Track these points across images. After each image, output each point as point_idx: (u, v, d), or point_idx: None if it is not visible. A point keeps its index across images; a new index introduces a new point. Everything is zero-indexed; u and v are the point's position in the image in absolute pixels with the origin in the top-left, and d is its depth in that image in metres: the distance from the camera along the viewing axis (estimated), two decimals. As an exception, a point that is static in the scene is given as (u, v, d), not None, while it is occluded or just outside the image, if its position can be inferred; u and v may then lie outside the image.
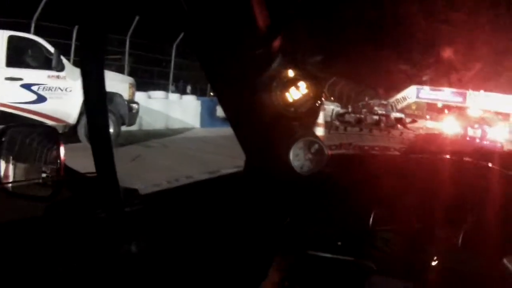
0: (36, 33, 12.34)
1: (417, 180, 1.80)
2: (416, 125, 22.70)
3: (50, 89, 10.23)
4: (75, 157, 1.97)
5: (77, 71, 10.19)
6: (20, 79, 9.86)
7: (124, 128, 11.60)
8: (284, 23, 1.48)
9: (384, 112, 23.47)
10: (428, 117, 26.43)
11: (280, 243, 1.74)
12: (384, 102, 27.08)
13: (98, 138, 1.25)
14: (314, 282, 1.73)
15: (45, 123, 9.40)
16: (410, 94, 28.08)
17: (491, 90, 24.17)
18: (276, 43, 1.45)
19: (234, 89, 1.53)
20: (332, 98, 26.71)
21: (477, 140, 16.86)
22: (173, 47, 18.12)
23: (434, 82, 26.70)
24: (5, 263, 1.19)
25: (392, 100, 27.83)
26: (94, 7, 1.19)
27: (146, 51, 18.13)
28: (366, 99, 31.16)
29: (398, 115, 24.23)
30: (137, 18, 16.18)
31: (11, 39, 9.89)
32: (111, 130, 10.09)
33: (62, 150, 1.46)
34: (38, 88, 10.10)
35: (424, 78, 26.86)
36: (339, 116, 20.58)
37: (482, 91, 24.60)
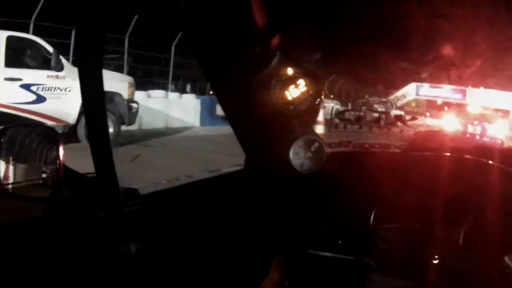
0: (35, 33, 12.32)
1: (417, 178, 1.79)
2: (415, 122, 22.70)
3: (49, 89, 10.22)
4: (75, 157, 1.97)
5: (76, 71, 10.03)
6: (19, 79, 9.85)
7: (123, 127, 11.59)
8: (283, 21, 1.48)
9: (383, 110, 23.47)
10: (427, 114, 26.44)
11: (280, 242, 1.74)
12: (383, 99, 27.07)
13: (97, 138, 1.25)
14: (315, 281, 1.73)
15: (44, 123, 9.39)
16: (410, 92, 28.09)
17: (491, 87, 24.17)
18: (275, 41, 1.45)
19: (233, 88, 1.53)
20: (331, 95, 26.71)
21: (477, 137, 16.85)
22: (172, 46, 18.10)
23: (434, 79, 26.70)
24: (5, 263, 1.19)
25: (391, 97, 27.82)
26: (91, 7, 1.19)
27: (145, 50, 18.10)
28: (366, 96, 31.15)
29: (398, 112, 24.25)
30: (135, 17, 16.15)
31: (9, 39, 9.88)
32: (111, 129, 10.11)
33: (61, 150, 1.46)
34: (37, 88, 10.09)
35: (424, 75, 26.86)
36: (339, 114, 20.59)
37: (482, 88, 24.60)
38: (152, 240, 1.45)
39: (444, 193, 1.71)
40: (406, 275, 1.64)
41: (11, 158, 1.56)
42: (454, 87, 26.13)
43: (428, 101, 28.78)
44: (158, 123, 15.80)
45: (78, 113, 10.35)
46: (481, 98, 24.23)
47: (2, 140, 1.53)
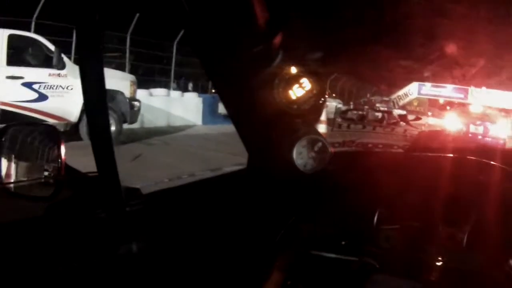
0: (37, 31, 12.36)
1: (420, 178, 1.79)
2: (418, 122, 22.69)
3: (51, 87, 10.24)
4: (77, 155, 1.97)
5: (78, 69, 10.13)
6: (21, 77, 9.87)
7: (125, 126, 11.61)
8: (285, 20, 1.47)
9: (386, 109, 23.46)
10: (429, 113, 26.41)
11: (283, 242, 1.73)
12: (385, 98, 27.06)
13: (99, 136, 1.24)
14: (317, 282, 1.72)
15: (46, 121, 9.43)
16: (412, 91, 28.08)
17: (494, 87, 24.15)
18: (277, 40, 1.44)
19: (235, 87, 1.52)
20: (333, 94, 26.72)
21: (479, 137, 16.83)
22: (174, 44, 18.11)
23: (437, 78, 26.69)
24: (6, 263, 1.19)
25: (393, 96, 27.83)
26: (91, 5, 1.18)
27: (147, 48, 18.12)
28: (368, 95, 31.15)
29: (400, 112, 24.22)
30: (137, 15, 16.16)
31: (11, 37, 9.90)
32: (113, 128, 10.11)
33: (62, 149, 1.45)
34: (39, 86, 10.10)
35: (426, 74, 26.86)
36: (342, 113, 20.58)
37: (484, 88, 24.59)
38: (154, 239, 1.45)
39: (447, 194, 1.70)
40: (410, 275, 1.63)
41: (13, 156, 1.55)
42: (456, 86, 26.11)
43: (430, 100, 28.75)
44: (160, 122, 15.82)
45: (80, 111, 10.38)
46: (483, 97, 24.21)
47: (3, 139, 1.53)
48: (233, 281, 1.61)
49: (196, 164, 9.21)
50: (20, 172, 1.56)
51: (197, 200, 1.70)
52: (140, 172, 7.20)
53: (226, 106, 1.60)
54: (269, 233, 1.72)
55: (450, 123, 18.83)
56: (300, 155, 1.49)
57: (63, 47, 11.25)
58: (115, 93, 11.15)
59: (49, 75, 10.23)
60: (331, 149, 1.53)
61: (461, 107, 23.20)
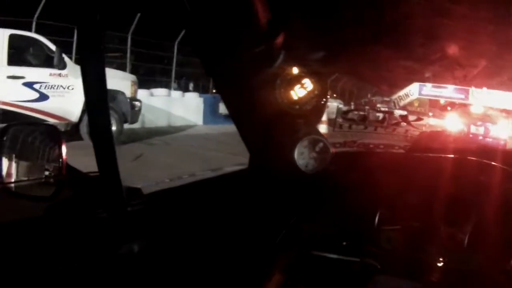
0: (38, 31, 12.36)
1: (421, 179, 1.79)
2: (419, 122, 22.68)
3: (52, 87, 10.24)
4: (77, 155, 1.97)
5: (79, 69, 10.07)
6: (22, 77, 9.87)
7: (126, 126, 11.60)
8: (286, 20, 1.47)
9: (386, 109, 23.46)
10: (430, 114, 26.39)
11: (284, 243, 1.73)
12: (386, 99, 27.04)
13: (100, 136, 1.24)
14: (318, 282, 1.72)
15: (47, 121, 9.43)
16: (413, 91, 28.04)
17: (495, 87, 24.12)
18: (279, 40, 1.44)
19: (237, 87, 1.52)
20: (334, 95, 26.70)
21: (480, 138, 16.82)
22: (175, 44, 18.11)
23: (438, 79, 26.65)
24: (6, 263, 1.18)
25: (394, 97, 27.79)
26: (92, 5, 1.18)
27: (147, 48, 18.11)
28: (369, 96, 31.13)
29: (401, 112, 24.20)
30: (138, 15, 16.16)
31: (12, 37, 9.90)
32: (113, 128, 10.10)
33: (63, 149, 1.45)
34: (40, 86, 10.10)
35: (427, 75, 26.82)
36: (343, 113, 20.58)
37: (484, 88, 24.56)
38: (155, 239, 1.44)
39: (448, 194, 1.70)
40: (411, 276, 1.63)
41: (13, 156, 1.55)
42: (457, 87, 26.08)
43: (430, 100, 28.71)
44: (160, 122, 15.83)
45: (81, 111, 10.38)
46: (484, 98, 24.18)
47: (4, 138, 1.53)
48: (234, 281, 1.61)
49: (197, 164, 9.22)
50: (20, 171, 1.56)
51: (199, 200, 1.70)
52: (141, 172, 7.21)
53: (228, 106, 1.60)
54: (270, 233, 1.72)
55: (451, 124, 18.82)
56: (302, 156, 1.48)
57: (64, 47, 11.24)
58: (116, 93, 11.14)
59: (50, 75, 10.23)
60: (333, 150, 1.53)
61: (462, 107, 23.18)
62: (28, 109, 9.88)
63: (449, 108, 25.74)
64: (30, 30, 12.29)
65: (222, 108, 16.47)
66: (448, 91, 26.85)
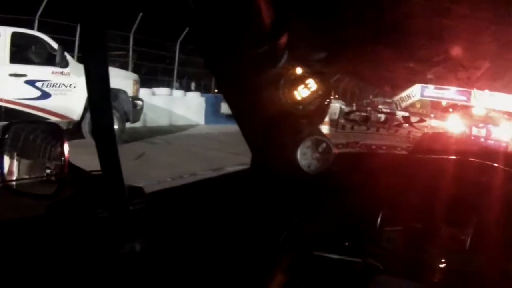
0: (40, 29, 12.36)
1: (423, 180, 1.79)
2: (422, 124, 22.67)
3: (54, 85, 10.24)
4: (79, 153, 1.96)
5: (81, 68, 9.99)
6: (24, 75, 9.86)
7: (128, 124, 11.60)
8: (289, 20, 1.47)
9: (388, 110, 23.45)
10: (432, 115, 26.36)
11: (286, 243, 1.73)
12: (388, 100, 27.02)
13: (102, 135, 1.23)
14: (320, 283, 1.72)
15: (49, 119, 9.43)
16: (415, 92, 28.01)
17: (498, 90, 24.09)
18: (283, 40, 1.43)
19: (240, 87, 1.52)
20: (336, 95, 26.69)
21: (482, 140, 16.81)
22: (177, 43, 18.11)
23: (441, 80, 26.62)
24: (7, 261, 1.18)
25: (396, 98, 27.78)
26: (96, 3, 1.18)
27: (150, 47, 18.12)
28: (370, 97, 31.14)
29: (403, 113, 24.19)
30: (140, 14, 16.17)
31: (14, 35, 9.89)
32: (115, 126, 10.11)
33: (66, 147, 1.45)
34: (42, 84, 10.10)
35: (430, 76, 26.80)
36: (345, 114, 20.58)
37: (486, 90, 24.54)
38: (157, 239, 1.44)
39: (450, 195, 1.70)
40: (412, 276, 1.63)
41: (15, 154, 1.55)
42: (459, 88, 26.05)
43: (432, 102, 28.69)
44: (162, 121, 15.83)
45: (82, 109, 10.38)
46: (485, 100, 24.15)
47: (6, 136, 1.52)
48: (236, 281, 1.61)
49: (198, 163, 9.22)
50: (22, 170, 1.56)
51: (201, 199, 1.70)
52: (143, 171, 7.21)
53: (230, 106, 1.59)
54: (273, 233, 1.72)
55: (453, 126, 18.80)
56: (304, 156, 1.48)
57: (66, 45, 11.24)
58: (118, 92, 11.13)
59: (52, 73, 10.22)
60: (335, 150, 1.53)
61: (464, 109, 23.16)
62: (30, 107, 9.88)
63: (451, 110, 25.69)
64: (32, 28, 12.28)
65: (224, 108, 16.50)
66: (450, 93, 26.82)
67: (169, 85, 18.55)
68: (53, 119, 9.86)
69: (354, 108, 23.71)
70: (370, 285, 1.64)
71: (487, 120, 18.91)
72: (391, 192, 1.77)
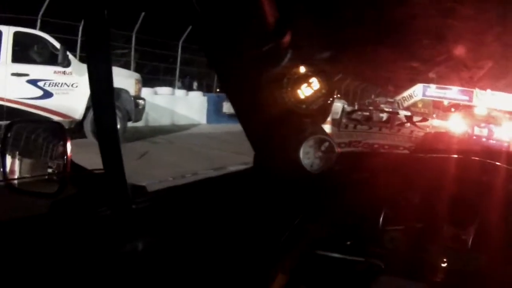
0: (42, 29, 12.37)
1: (426, 179, 1.78)
2: (424, 123, 22.66)
3: (56, 84, 10.24)
4: (81, 152, 1.96)
5: (83, 67, 10.19)
6: (26, 74, 9.87)
7: (130, 124, 11.60)
8: (293, 18, 1.47)
9: (390, 110, 23.43)
10: (434, 115, 26.34)
11: (288, 242, 1.72)
12: (390, 99, 27.01)
13: (105, 134, 1.23)
14: (322, 282, 1.72)
15: (51, 118, 9.43)
16: (417, 92, 27.98)
17: (501, 89, 24.04)
18: (286, 39, 1.43)
19: (243, 85, 1.52)
20: (338, 95, 26.67)
21: (484, 139, 16.79)
22: (180, 43, 18.11)
23: (444, 80, 26.58)
24: (8, 260, 1.18)
25: (398, 98, 27.75)
26: (100, 2, 1.18)
27: (152, 47, 18.12)
28: (372, 96, 31.12)
29: (405, 113, 24.17)
30: (142, 14, 16.17)
31: (17, 35, 9.90)
32: (117, 126, 10.12)
33: (68, 146, 1.45)
34: (44, 83, 10.10)
35: (432, 76, 26.76)
36: (348, 114, 20.56)
37: (489, 90, 24.50)
38: (159, 237, 1.44)
39: (452, 195, 1.70)
40: (415, 276, 1.63)
41: (17, 153, 1.55)
42: (461, 88, 26.01)
43: (434, 102, 28.66)
44: (164, 120, 15.83)
45: (84, 109, 10.38)
46: (488, 100, 24.11)
47: (8, 135, 1.52)
48: (238, 280, 1.61)
49: (200, 163, 9.22)
50: (24, 169, 1.56)
51: (204, 198, 1.70)
52: (145, 170, 7.21)
53: (233, 105, 1.59)
54: (275, 232, 1.72)
55: (455, 125, 18.77)
56: (307, 155, 1.48)
57: (68, 45, 11.25)
58: (120, 91, 11.12)
59: (54, 72, 10.23)
60: (338, 149, 1.53)
61: (466, 109, 23.13)
62: (32, 107, 9.88)
63: (452, 109, 25.68)
64: (34, 28, 12.30)
65: (226, 107, 16.52)
66: (452, 93, 26.79)
67: (171, 84, 18.56)
68: (55, 118, 9.86)
69: (356, 107, 23.68)
70: (372, 285, 1.64)
71: (489, 120, 18.88)
72: (393, 191, 1.76)
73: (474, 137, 17.08)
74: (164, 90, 16.83)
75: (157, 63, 19.63)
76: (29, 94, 9.89)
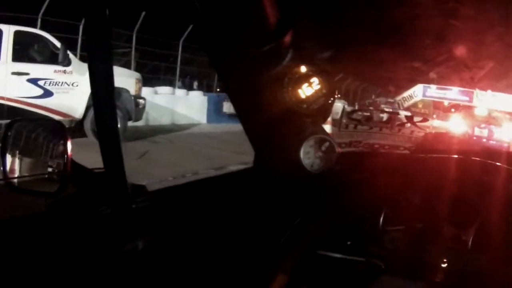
0: (43, 28, 12.36)
1: (426, 180, 1.78)
2: (424, 123, 22.67)
3: (56, 83, 10.25)
4: (81, 152, 1.96)
5: (83, 66, 10.20)
6: (27, 73, 9.87)
7: (130, 123, 11.60)
8: (294, 18, 1.47)
9: (391, 110, 23.42)
10: (434, 116, 26.33)
11: (289, 242, 1.72)
12: (390, 100, 27.00)
13: (106, 133, 1.23)
14: (323, 282, 1.72)
15: (51, 117, 9.42)
16: (417, 93, 27.97)
17: (501, 90, 24.01)
18: (287, 39, 1.43)
19: (244, 85, 1.52)
20: (338, 95, 26.66)
21: (484, 140, 16.80)
22: (180, 42, 18.11)
23: (444, 80, 26.56)
24: (9, 260, 1.18)
25: (398, 98, 27.75)
26: (100, 2, 1.18)
27: (152, 46, 18.11)
28: (373, 97, 31.11)
29: (406, 113, 24.16)
30: (143, 13, 16.17)
31: (17, 34, 9.90)
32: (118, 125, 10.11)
33: (69, 145, 1.44)
34: (45, 82, 10.11)
35: (432, 76, 26.74)
36: (348, 114, 20.56)
37: (489, 91, 24.49)
38: (160, 237, 1.44)
39: (452, 195, 1.70)
40: (415, 276, 1.63)
41: (17, 151, 1.55)
42: (461, 89, 25.99)
43: (434, 102, 28.64)
44: (164, 120, 15.83)
45: (85, 108, 10.39)
46: (488, 100, 24.09)
47: (9, 134, 1.52)
48: (238, 280, 1.61)
49: (201, 162, 9.22)
50: (24, 167, 1.56)
51: (204, 198, 1.70)
52: (145, 170, 7.20)
53: (234, 104, 1.59)
54: (275, 232, 1.72)
55: (455, 126, 18.77)
56: (308, 155, 1.48)
57: (69, 44, 11.25)
58: (121, 90, 11.11)
59: (55, 71, 10.23)
60: (338, 149, 1.53)
61: (466, 109, 23.13)
62: (32, 106, 9.89)
63: (453, 110, 25.66)
64: (35, 27, 12.30)
65: (226, 107, 16.53)
66: (452, 93, 26.78)
67: (171, 84, 18.56)
68: (55, 117, 9.83)
69: (356, 107, 23.67)
70: (373, 285, 1.63)
71: (489, 120, 18.89)
72: (393, 191, 1.76)
73: (474, 138, 17.08)
74: (164, 90, 16.83)
75: (157, 63, 19.63)
76: (30, 93, 9.90)
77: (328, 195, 1.79)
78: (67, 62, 10.30)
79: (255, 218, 1.68)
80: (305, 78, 1.47)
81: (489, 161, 1.76)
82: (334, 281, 1.72)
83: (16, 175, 1.53)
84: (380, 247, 1.73)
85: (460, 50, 17.74)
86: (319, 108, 1.49)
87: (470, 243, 1.64)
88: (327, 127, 10.04)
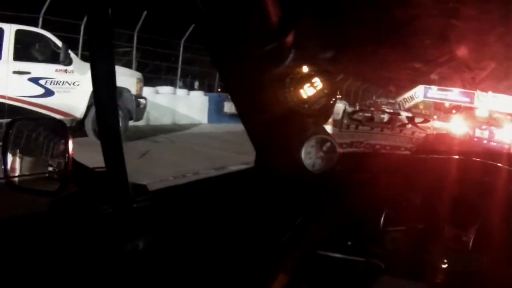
0: (44, 27, 12.37)
1: (427, 180, 1.78)
2: (425, 124, 22.66)
3: (57, 83, 10.26)
4: (82, 151, 1.96)
5: (84, 65, 10.22)
6: (28, 72, 9.88)
7: (131, 123, 11.61)
8: (296, 18, 1.46)
9: (392, 111, 23.42)
10: (435, 117, 26.32)
11: (290, 242, 1.72)
12: (391, 101, 27.01)
13: (107, 132, 1.23)
14: (323, 282, 1.72)
15: (52, 116, 9.42)
16: (418, 94, 27.97)
17: (503, 91, 23.98)
18: (289, 39, 1.43)
19: (246, 85, 1.51)
20: (339, 96, 26.66)
21: (485, 141, 16.80)
22: (181, 42, 18.12)
23: (446, 81, 26.54)
24: (10, 258, 1.18)
25: (399, 99, 27.76)
26: (102, 1, 1.18)
27: (154, 46, 18.12)
28: (374, 97, 31.13)
29: (407, 114, 24.15)
30: (144, 13, 16.18)
31: (18, 33, 9.91)
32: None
33: (70, 144, 1.44)
34: (46, 82, 10.12)
35: (433, 77, 26.73)
36: (350, 114, 20.55)
37: (490, 92, 24.47)
38: (160, 236, 1.44)
39: (453, 196, 1.70)
40: (416, 277, 1.63)
41: (18, 150, 1.55)
42: (462, 90, 25.99)
43: (435, 103, 28.63)
44: (165, 119, 15.84)
45: (86, 107, 10.40)
46: (489, 102, 24.08)
47: (10, 133, 1.52)
48: (239, 280, 1.61)
49: (202, 162, 9.22)
50: (24, 167, 1.56)
51: (205, 198, 1.70)
52: (146, 169, 7.20)
53: (236, 104, 1.59)
54: (276, 232, 1.72)
55: (456, 127, 18.77)
56: (309, 155, 1.48)
57: (70, 43, 11.25)
58: (122, 90, 11.12)
59: (56, 70, 10.24)
60: (339, 150, 1.53)
61: (467, 111, 23.12)
62: (33, 105, 9.90)
63: (454, 111, 25.65)
64: (36, 26, 12.31)
65: (227, 107, 16.53)
66: (453, 94, 26.78)
67: (172, 83, 18.57)
68: (56, 116, 9.85)
69: (357, 108, 23.68)
70: (373, 285, 1.63)
71: (490, 121, 18.87)
72: (394, 192, 1.76)
73: (475, 139, 17.08)
74: (165, 89, 16.84)
75: (158, 62, 19.64)
76: (31, 92, 9.91)
77: (329, 195, 1.79)
78: (68, 61, 10.32)
79: (256, 218, 1.68)
80: (307, 78, 1.47)
81: (489, 162, 1.76)
82: (335, 281, 1.72)
83: (17, 174, 1.53)
84: (381, 247, 1.73)
85: (462, 51, 17.73)
86: (320, 108, 1.49)
87: (471, 244, 1.64)
88: (328, 128, 10.04)
